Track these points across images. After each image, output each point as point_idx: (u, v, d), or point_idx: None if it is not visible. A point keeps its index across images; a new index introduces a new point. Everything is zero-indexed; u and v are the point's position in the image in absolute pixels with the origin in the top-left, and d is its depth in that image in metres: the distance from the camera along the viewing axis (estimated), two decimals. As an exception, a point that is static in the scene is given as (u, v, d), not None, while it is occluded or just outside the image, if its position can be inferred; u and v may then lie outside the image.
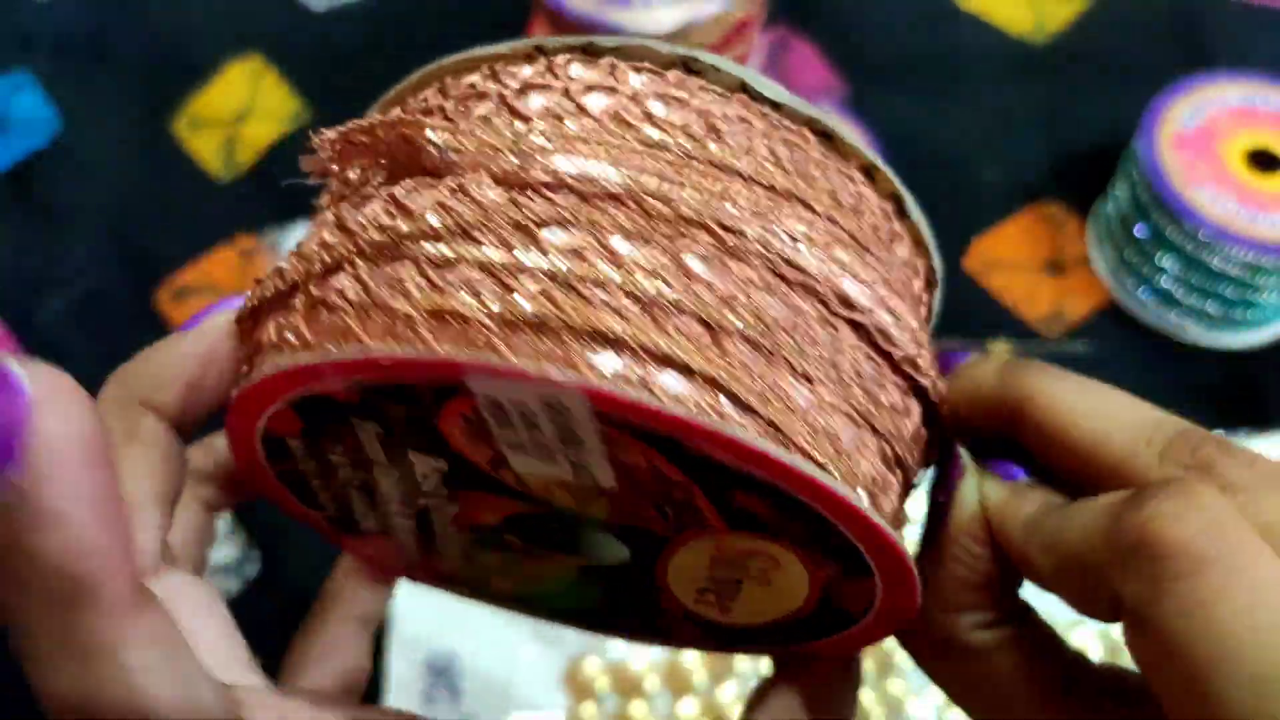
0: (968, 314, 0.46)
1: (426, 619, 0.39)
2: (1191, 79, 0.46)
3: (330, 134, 0.18)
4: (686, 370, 0.14)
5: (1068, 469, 0.16)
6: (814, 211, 0.16)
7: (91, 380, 0.52)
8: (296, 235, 0.49)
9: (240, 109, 0.56)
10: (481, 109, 0.17)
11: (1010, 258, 0.48)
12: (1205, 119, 0.45)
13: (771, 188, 0.16)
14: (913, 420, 0.17)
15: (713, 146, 0.16)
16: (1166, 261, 0.43)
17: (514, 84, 0.17)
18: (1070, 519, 0.15)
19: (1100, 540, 0.14)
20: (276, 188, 0.53)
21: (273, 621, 0.41)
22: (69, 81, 0.57)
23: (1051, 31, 0.55)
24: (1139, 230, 0.44)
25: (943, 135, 0.52)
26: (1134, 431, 0.16)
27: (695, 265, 0.15)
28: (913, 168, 0.51)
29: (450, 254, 0.15)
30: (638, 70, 0.17)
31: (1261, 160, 0.44)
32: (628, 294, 0.14)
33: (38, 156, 0.54)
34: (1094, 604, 0.15)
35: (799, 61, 0.55)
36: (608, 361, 0.14)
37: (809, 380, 0.15)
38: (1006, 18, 0.56)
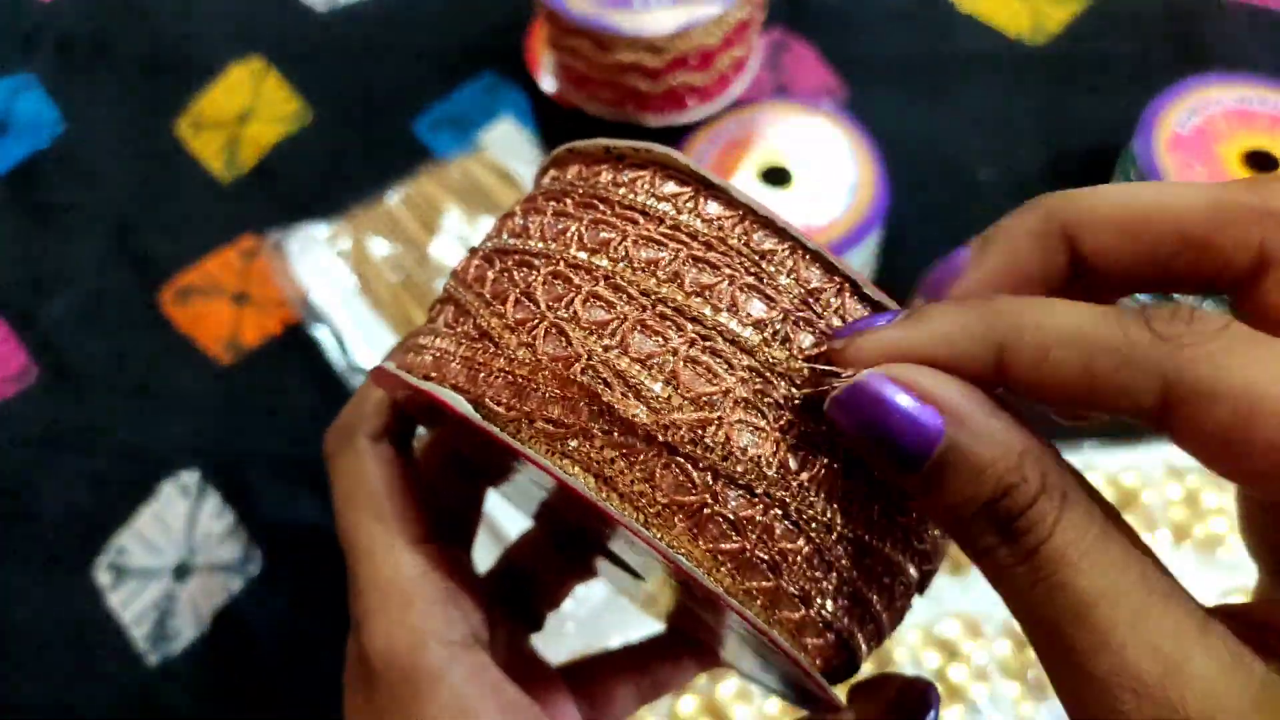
0: (966, 314, 0.47)
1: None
2: (1188, 80, 0.46)
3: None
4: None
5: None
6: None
7: (96, 380, 0.52)
8: (298, 235, 0.50)
9: (242, 110, 0.56)
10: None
11: (1008, 258, 0.48)
12: (1202, 120, 0.45)
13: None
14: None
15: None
16: (1163, 262, 0.44)
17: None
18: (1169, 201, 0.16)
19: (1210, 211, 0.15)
20: (279, 188, 0.53)
21: (274, 618, 0.41)
22: (72, 83, 0.57)
23: (1049, 33, 0.56)
24: (1136, 231, 0.44)
25: (940, 136, 0.52)
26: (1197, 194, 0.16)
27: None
28: (911, 168, 0.52)
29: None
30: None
31: (1259, 161, 0.44)
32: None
33: (40, 157, 0.55)
34: (1201, 279, 0.16)
35: (797, 63, 0.55)
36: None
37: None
38: (1004, 19, 0.56)
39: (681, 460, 0.16)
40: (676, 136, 0.48)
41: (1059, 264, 0.17)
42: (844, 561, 0.17)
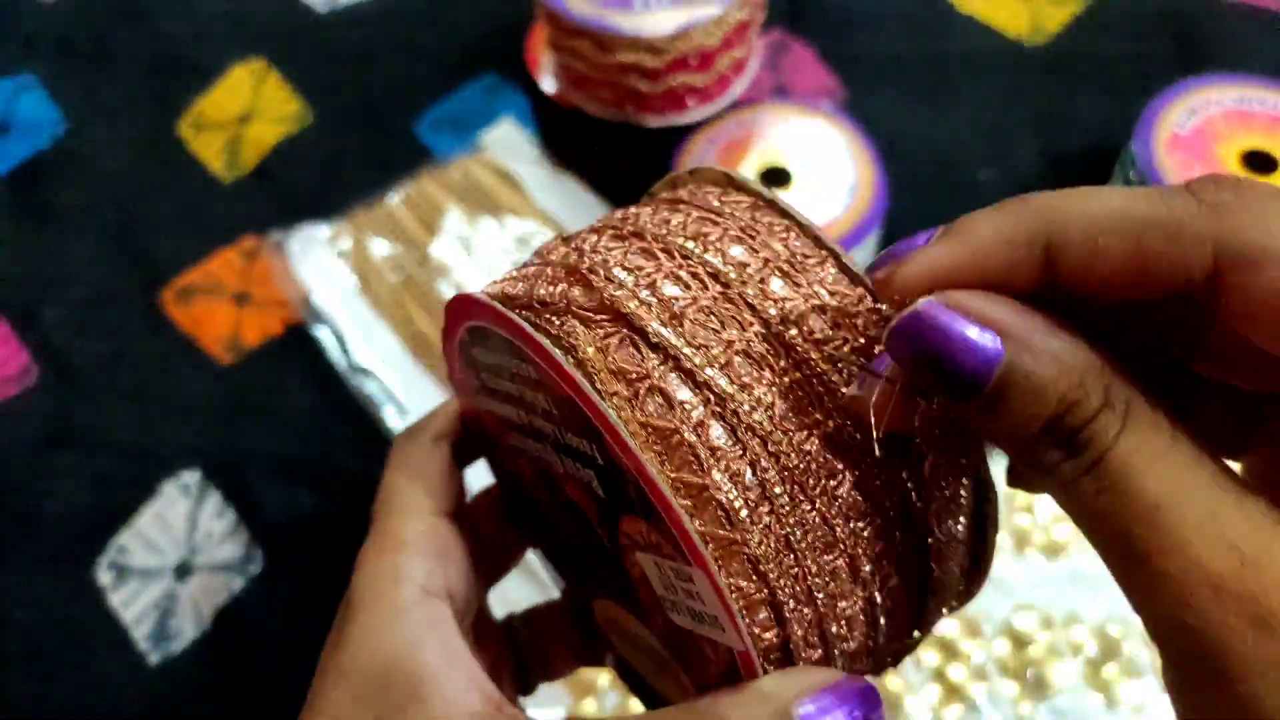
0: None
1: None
2: (1187, 81, 0.46)
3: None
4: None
5: None
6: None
7: (98, 380, 0.52)
8: (299, 236, 0.50)
9: (243, 110, 0.56)
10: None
11: (1007, 258, 0.48)
12: (1201, 121, 0.45)
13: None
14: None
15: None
16: (1162, 262, 0.44)
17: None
18: None
19: None
20: (280, 189, 0.53)
21: (274, 616, 0.41)
22: (73, 83, 0.57)
23: (1048, 33, 0.56)
24: (1135, 231, 0.44)
25: (939, 137, 0.52)
26: None
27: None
28: (909, 169, 0.52)
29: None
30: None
31: (1257, 162, 0.44)
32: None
33: (42, 158, 0.55)
34: None
35: (797, 64, 0.55)
36: None
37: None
38: (1003, 20, 0.56)
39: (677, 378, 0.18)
40: (676, 137, 0.48)
41: (1031, 269, 0.16)
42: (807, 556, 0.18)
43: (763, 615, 0.17)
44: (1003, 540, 0.40)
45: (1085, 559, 0.40)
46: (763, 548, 0.17)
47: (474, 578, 0.24)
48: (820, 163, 0.46)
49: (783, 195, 0.45)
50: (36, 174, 0.54)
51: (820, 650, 0.18)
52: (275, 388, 0.47)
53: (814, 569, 0.17)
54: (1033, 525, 0.40)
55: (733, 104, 0.50)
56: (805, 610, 0.17)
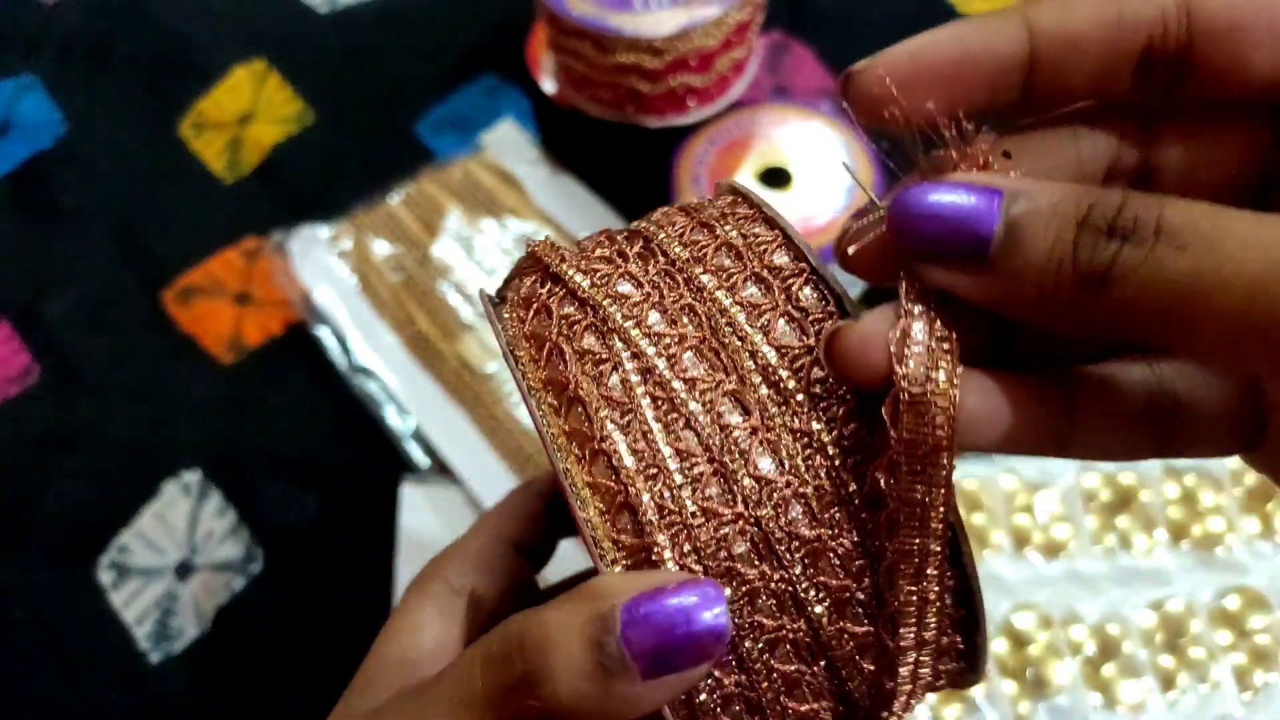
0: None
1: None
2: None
3: None
4: None
5: None
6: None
7: (99, 380, 0.52)
8: (300, 236, 0.50)
9: (244, 111, 0.56)
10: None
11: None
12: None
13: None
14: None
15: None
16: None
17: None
18: None
19: None
20: (281, 189, 0.53)
21: (275, 614, 0.41)
22: (74, 84, 0.58)
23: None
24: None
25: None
26: None
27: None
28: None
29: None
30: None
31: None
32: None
33: (43, 158, 0.55)
34: None
35: (797, 65, 0.56)
36: None
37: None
38: (1003, 21, 0.56)
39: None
40: (676, 138, 0.48)
41: (1017, 49, 0.16)
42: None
43: (625, 520, 0.17)
44: (1001, 540, 0.40)
45: (1084, 559, 0.40)
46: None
47: (508, 594, 0.25)
48: (820, 163, 0.46)
49: (783, 196, 0.46)
50: (38, 174, 0.54)
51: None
52: (276, 387, 0.47)
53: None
54: (1032, 525, 0.41)
55: (732, 105, 0.50)
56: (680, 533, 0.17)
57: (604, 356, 0.18)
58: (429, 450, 0.44)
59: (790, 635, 0.17)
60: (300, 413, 0.46)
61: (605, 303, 0.18)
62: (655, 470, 0.17)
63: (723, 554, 0.17)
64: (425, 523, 0.42)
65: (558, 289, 0.19)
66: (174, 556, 0.43)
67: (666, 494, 0.17)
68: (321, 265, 0.49)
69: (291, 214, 0.51)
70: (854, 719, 0.18)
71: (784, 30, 0.56)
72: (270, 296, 0.49)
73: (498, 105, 0.55)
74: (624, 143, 0.50)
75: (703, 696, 0.17)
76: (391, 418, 0.45)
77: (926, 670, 0.17)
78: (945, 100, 0.16)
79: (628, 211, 0.50)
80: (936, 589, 0.16)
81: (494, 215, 0.50)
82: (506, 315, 0.19)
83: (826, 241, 0.44)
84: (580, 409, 0.17)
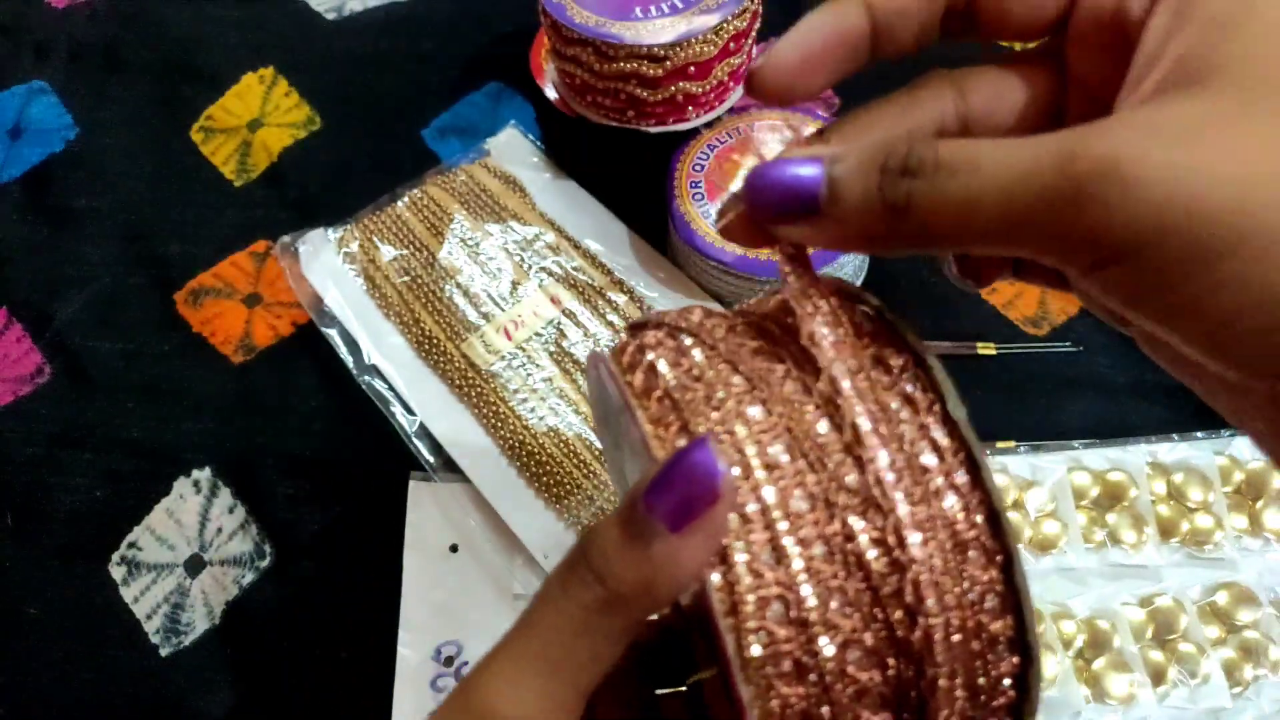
0: (957, 315, 0.48)
1: (432, 614, 0.40)
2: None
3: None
4: None
5: None
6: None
7: (111, 380, 0.53)
8: (309, 239, 0.51)
9: (254, 117, 0.57)
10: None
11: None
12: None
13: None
14: None
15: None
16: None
17: None
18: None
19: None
20: (289, 193, 0.54)
21: (283, 609, 0.42)
22: (85, 89, 0.58)
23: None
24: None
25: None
26: None
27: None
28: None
29: None
30: None
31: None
32: None
33: (54, 162, 0.56)
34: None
35: (796, 71, 0.56)
36: None
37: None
38: (997, 29, 0.57)
39: None
40: (676, 143, 0.49)
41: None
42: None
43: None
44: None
45: (1075, 554, 0.41)
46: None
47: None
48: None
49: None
50: (49, 178, 0.55)
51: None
52: (285, 387, 0.48)
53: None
54: (1023, 521, 0.41)
55: (731, 111, 0.51)
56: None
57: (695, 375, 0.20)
58: (435, 448, 0.44)
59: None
60: (309, 411, 0.47)
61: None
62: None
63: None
64: (431, 518, 0.42)
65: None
66: (185, 552, 0.44)
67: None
68: (329, 267, 0.50)
69: (300, 217, 0.52)
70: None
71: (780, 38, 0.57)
72: (279, 298, 0.50)
73: (501, 111, 0.56)
74: (624, 148, 0.51)
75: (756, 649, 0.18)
76: (399, 416, 0.45)
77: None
78: (825, 76, 0.21)
79: (629, 215, 0.50)
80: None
81: (498, 219, 0.51)
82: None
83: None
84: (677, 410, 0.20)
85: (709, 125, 0.50)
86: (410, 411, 0.45)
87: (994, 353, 0.46)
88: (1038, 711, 0.19)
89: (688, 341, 0.21)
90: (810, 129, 0.48)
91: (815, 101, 0.55)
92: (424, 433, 0.45)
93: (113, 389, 0.48)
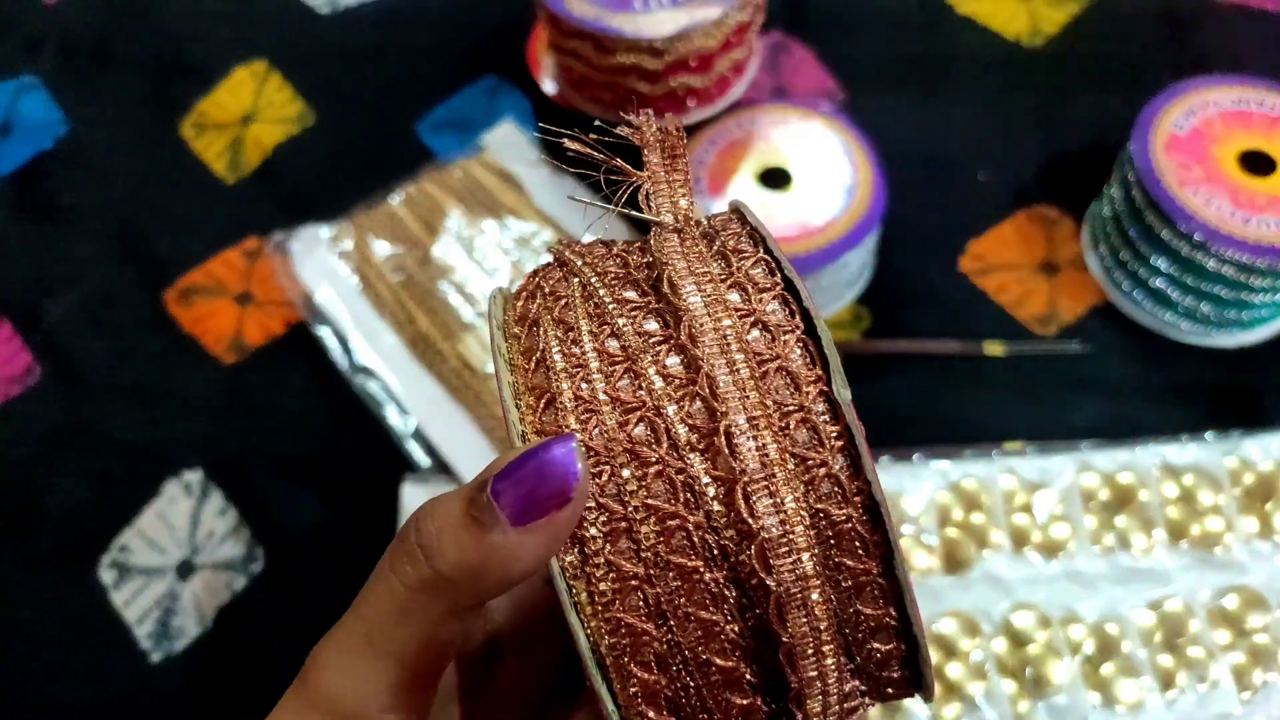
0: (965, 315, 0.47)
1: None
2: (1185, 82, 0.46)
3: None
4: None
5: None
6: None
7: (100, 380, 0.53)
8: (301, 236, 0.50)
9: (246, 112, 0.56)
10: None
11: (1005, 259, 0.49)
12: (1199, 122, 0.45)
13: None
14: None
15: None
16: (1160, 262, 0.44)
17: None
18: None
19: None
20: (282, 189, 0.54)
21: (276, 613, 0.41)
22: (76, 85, 0.58)
23: (1047, 35, 0.56)
24: (1133, 232, 0.45)
25: (938, 138, 0.52)
26: None
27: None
28: (909, 171, 0.52)
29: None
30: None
31: (1254, 162, 0.44)
32: None
33: (44, 159, 0.55)
34: None
35: (796, 65, 0.56)
36: None
37: None
38: (1002, 21, 0.56)
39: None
40: (676, 138, 0.48)
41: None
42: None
43: (550, 413, 0.18)
44: (1001, 539, 0.41)
45: (1083, 558, 0.40)
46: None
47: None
48: (819, 164, 0.46)
49: (782, 197, 0.46)
50: (39, 174, 0.55)
51: None
52: (277, 387, 0.47)
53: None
54: (1031, 524, 0.41)
55: (732, 105, 0.50)
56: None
57: (562, 293, 0.19)
58: (430, 450, 0.44)
59: (688, 526, 0.17)
60: (301, 412, 0.46)
61: (573, 259, 0.20)
62: (579, 368, 0.18)
63: (622, 435, 0.18)
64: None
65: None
66: (175, 556, 0.43)
67: (584, 386, 0.18)
68: (323, 265, 0.49)
69: (292, 214, 0.51)
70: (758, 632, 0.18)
71: (784, 31, 0.56)
72: (271, 296, 0.49)
73: (498, 106, 0.55)
74: (624, 144, 0.50)
75: (603, 585, 0.17)
76: (392, 417, 0.45)
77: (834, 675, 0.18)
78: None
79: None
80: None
81: (494, 215, 0.50)
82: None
83: (825, 242, 0.44)
84: (535, 329, 0.19)
85: (711, 120, 0.49)
86: (404, 412, 0.45)
87: (1002, 353, 0.46)
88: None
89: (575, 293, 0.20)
90: (816, 123, 0.48)
91: (819, 96, 0.54)
92: (418, 434, 0.44)
93: (103, 389, 0.47)
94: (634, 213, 0.20)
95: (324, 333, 0.47)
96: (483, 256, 0.49)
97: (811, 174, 0.46)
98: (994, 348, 0.46)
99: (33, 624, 0.42)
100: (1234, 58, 0.54)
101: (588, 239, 0.22)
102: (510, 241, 0.49)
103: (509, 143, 0.53)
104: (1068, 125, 0.52)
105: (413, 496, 0.42)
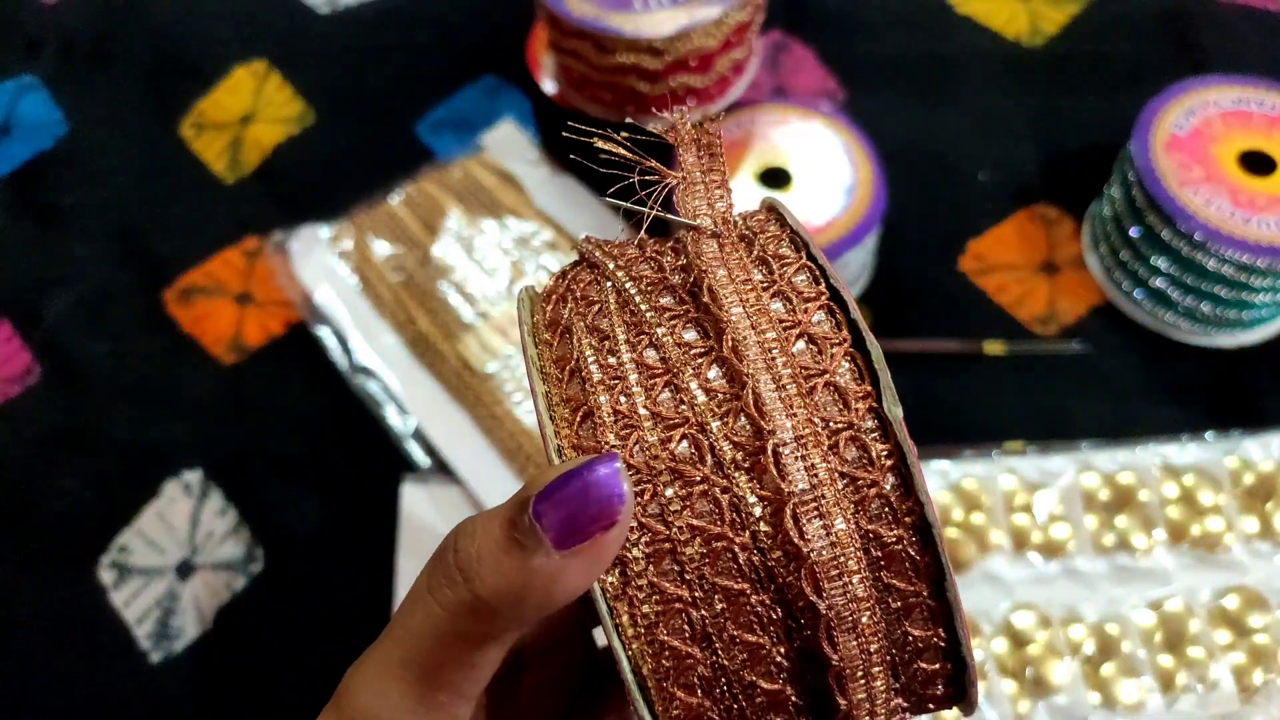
0: (965, 314, 0.47)
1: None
2: (1185, 82, 0.46)
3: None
4: None
5: None
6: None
7: (100, 380, 0.53)
8: (301, 236, 0.50)
9: (245, 111, 0.56)
10: None
11: (1006, 259, 0.49)
12: (1199, 121, 0.45)
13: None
14: None
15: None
16: (1160, 262, 0.44)
17: None
18: None
19: None
20: (281, 189, 0.53)
21: (275, 613, 0.41)
22: (75, 85, 0.58)
23: (1046, 35, 0.56)
24: (1133, 231, 0.45)
25: (938, 138, 0.52)
26: None
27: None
28: (909, 170, 0.52)
29: None
30: None
31: (1254, 162, 0.44)
32: None
33: (44, 159, 0.55)
34: None
35: (796, 65, 0.56)
36: None
37: None
38: (1002, 21, 0.56)
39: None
40: (676, 138, 0.48)
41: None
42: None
43: (587, 426, 0.18)
44: (1001, 539, 0.40)
45: (1083, 559, 0.40)
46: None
47: None
48: (819, 164, 0.46)
49: (782, 197, 0.46)
50: (39, 175, 0.54)
51: None
52: (277, 387, 0.47)
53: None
54: (1031, 524, 0.41)
55: (733, 105, 0.50)
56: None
57: (595, 298, 0.19)
58: (429, 450, 0.44)
59: (734, 548, 0.17)
60: (301, 413, 0.46)
61: (606, 262, 0.19)
62: (617, 380, 0.18)
63: (664, 453, 0.17)
64: (426, 522, 0.42)
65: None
66: (175, 556, 0.43)
67: (623, 399, 0.17)
68: (322, 265, 0.49)
69: (292, 214, 0.51)
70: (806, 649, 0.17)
71: (784, 30, 0.56)
72: (271, 296, 0.49)
73: (498, 106, 0.55)
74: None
75: (645, 608, 0.17)
76: (392, 417, 0.45)
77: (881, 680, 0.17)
78: None
79: (628, 211, 0.50)
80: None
81: (494, 215, 0.50)
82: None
83: (825, 242, 0.44)
84: (568, 337, 0.18)
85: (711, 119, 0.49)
86: (404, 412, 0.45)
87: (1002, 353, 0.46)
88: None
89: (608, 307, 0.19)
90: (816, 123, 0.48)
91: (819, 96, 0.54)
92: (418, 434, 0.44)
93: (102, 389, 0.47)
94: (670, 216, 0.19)
95: (324, 333, 0.47)
96: (482, 256, 0.49)
97: (811, 174, 0.46)
98: (994, 347, 0.46)
99: (33, 624, 0.42)
100: (1234, 58, 0.54)
101: (596, 236, 0.21)
102: (510, 241, 0.49)
103: (509, 142, 0.53)
104: (1068, 125, 0.52)
105: (413, 496, 0.42)
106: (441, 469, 0.43)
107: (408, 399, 0.45)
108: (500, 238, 0.49)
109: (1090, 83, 0.54)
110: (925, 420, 0.44)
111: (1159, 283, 0.45)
